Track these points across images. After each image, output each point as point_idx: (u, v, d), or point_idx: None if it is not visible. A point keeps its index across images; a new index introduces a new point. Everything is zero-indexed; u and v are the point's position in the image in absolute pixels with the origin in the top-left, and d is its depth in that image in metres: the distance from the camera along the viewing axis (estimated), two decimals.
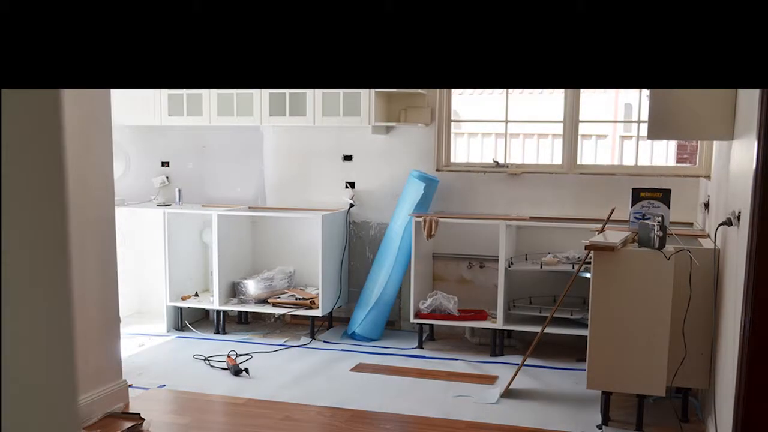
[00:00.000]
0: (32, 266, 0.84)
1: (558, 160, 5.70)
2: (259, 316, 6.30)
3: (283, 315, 6.13)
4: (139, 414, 4.03)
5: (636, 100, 5.61)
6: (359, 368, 5.02)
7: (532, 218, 5.50)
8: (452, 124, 5.93)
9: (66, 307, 0.89)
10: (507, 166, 5.76)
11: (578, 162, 5.63)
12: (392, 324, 6.04)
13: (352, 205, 6.03)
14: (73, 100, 3.76)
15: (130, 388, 4.35)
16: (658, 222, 3.86)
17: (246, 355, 5.22)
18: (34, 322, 0.84)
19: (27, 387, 0.84)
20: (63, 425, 0.91)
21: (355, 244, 6.12)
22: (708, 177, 4.99)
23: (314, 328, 5.82)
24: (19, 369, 0.82)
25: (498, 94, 5.97)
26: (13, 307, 0.79)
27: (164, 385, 4.66)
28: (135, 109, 6.04)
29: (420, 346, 5.52)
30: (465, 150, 5.99)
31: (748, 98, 3.16)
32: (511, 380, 4.55)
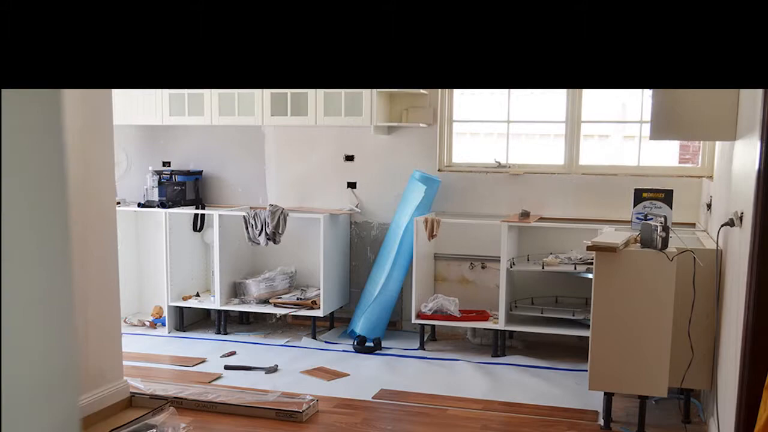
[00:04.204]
0: (34, 266, 0.83)
1: (560, 160, 5.69)
2: (260, 317, 6.30)
3: (285, 315, 6.13)
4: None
5: (631, 100, 5.61)
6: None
7: (528, 217, 5.49)
8: (454, 124, 5.93)
9: (67, 307, 0.89)
10: (509, 167, 5.76)
11: (580, 162, 5.63)
12: (394, 324, 6.03)
13: (356, 205, 6.03)
14: (74, 99, 3.75)
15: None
16: (661, 222, 3.85)
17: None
18: (36, 322, 0.84)
19: (28, 387, 0.84)
20: (64, 425, 0.91)
21: (357, 244, 6.12)
22: (710, 177, 4.98)
23: (316, 328, 5.82)
24: (21, 369, 0.81)
25: (499, 93, 5.96)
26: (15, 307, 0.79)
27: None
28: (136, 109, 6.04)
29: (422, 347, 5.51)
30: (467, 150, 5.98)
31: (751, 98, 3.15)
32: None
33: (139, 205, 6.02)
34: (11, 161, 0.77)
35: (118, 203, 5.54)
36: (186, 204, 6.08)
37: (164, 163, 6.46)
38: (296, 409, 4.09)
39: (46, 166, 0.83)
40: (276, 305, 5.85)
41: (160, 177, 6.05)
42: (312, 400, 4.22)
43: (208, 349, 5.47)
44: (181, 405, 4.15)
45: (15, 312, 0.80)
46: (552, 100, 5.73)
